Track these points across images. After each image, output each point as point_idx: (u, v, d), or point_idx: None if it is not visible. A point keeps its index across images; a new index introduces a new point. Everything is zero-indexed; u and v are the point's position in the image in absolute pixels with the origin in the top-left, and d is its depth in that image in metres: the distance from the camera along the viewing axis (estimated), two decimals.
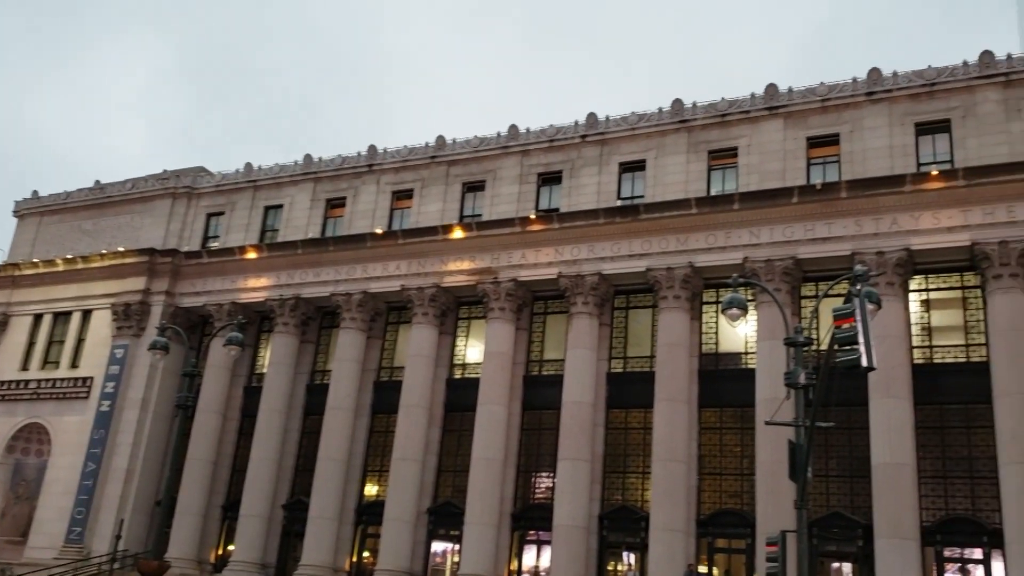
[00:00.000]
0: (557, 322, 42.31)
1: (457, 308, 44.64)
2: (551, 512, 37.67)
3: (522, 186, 43.78)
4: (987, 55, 36.23)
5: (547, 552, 38.24)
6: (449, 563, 40.90)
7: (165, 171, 54.74)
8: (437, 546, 41.53)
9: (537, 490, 40.64)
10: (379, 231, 45.30)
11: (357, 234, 45.84)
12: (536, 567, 39.21)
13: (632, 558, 37.71)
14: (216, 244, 50.98)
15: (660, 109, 41.84)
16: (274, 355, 46.43)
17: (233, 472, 47.01)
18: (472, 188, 45.42)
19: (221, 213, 51.87)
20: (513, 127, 45.06)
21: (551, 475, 39.48)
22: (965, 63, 36.53)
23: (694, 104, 41.16)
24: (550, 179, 43.64)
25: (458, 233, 42.87)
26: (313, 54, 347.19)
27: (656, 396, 37.31)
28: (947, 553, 32.86)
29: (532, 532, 39.87)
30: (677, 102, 41.41)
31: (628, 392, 39.53)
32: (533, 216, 41.72)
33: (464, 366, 44.07)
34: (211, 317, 48.45)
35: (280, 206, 50.29)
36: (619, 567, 37.77)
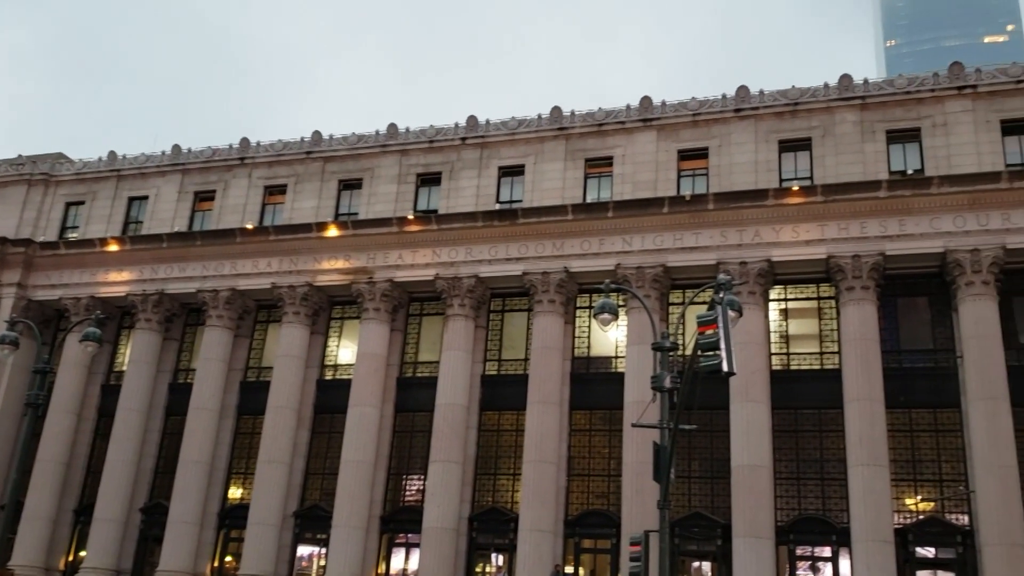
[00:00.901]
0: (433, 324, 42.18)
1: (330, 308, 43.89)
2: (421, 515, 37.48)
3: (400, 186, 43.46)
4: (846, 78, 38.33)
5: (416, 555, 38.02)
6: (315, 567, 40.09)
7: (20, 156, 51.61)
8: (303, 550, 40.65)
9: (408, 492, 40.38)
10: (250, 226, 44.06)
11: (226, 229, 44.40)
12: (404, 570, 38.92)
13: (500, 559, 37.95)
14: (75, 235, 48.37)
15: (540, 116, 42.35)
16: (135, 352, 44.41)
17: (88, 474, 44.69)
18: (349, 186, 44.76)
19: (81, 203, 49.27)
20: (392, 126, 44.69)
21: (422, 477, 39.30)
22: (826, 85, 38.54)
23: (572, 112, 41.88)
24: (429, 180, 43.49)
25: (333, 231, 42.13)
26: (187, 42, 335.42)
27: (529, 398, 37.69)
28: (799, 551, 34.51)
29: (401, 535, 39.56)
30: (556, 109, 42.04)
31: (502, 394, 39.79)
32: (411, 216, 41.48)
33: (336, 367, 43.35)
34: (67, 311, 45.94)
35: (145, 197, 48.21)
36: (488, 568, 37.93)
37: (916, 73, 39.47)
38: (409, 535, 39.02)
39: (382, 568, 39.11)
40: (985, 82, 36.40)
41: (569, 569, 36.57)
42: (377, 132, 44.87)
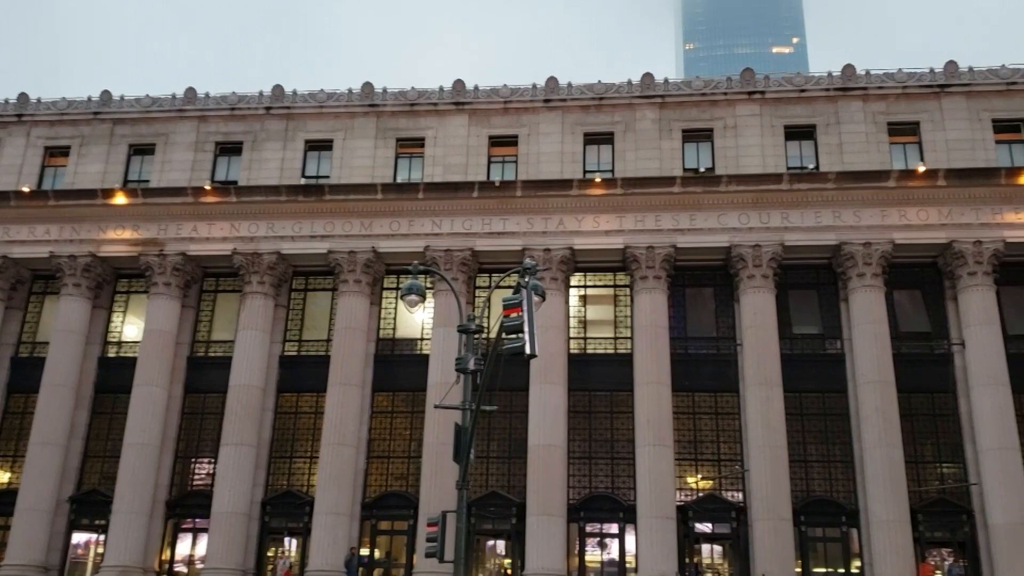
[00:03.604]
0: (229, 301, 40.39)
1: (115, 280, 41.08)
2: (211, 499, 35.95)
3: (198, 154, 41.21)
4: (648, 77, 40.01)
5: (204, 540, 36.45)
6: (92, 555, 37.56)
7: None
8: (79, 537, 37.99)
9: (197, 476, 38.58)
10: (26, 189, 40.40)
11: None
12: (191, 556, 37.23)
13: (293, 543, 37.07)
14: None
15: (351, 90, 41.37)
16: None
17: None
18: (141, 151, 41.91)
19: None
20: (191, 90, 42.26)
21: (213, 461, 37.66)
22: (630, 82, 40.06)
23: (384, 90, 41.20)
24: (230, 149, 41.49)
25: (121, 199, 39.32)
26: None
27: (330, 380, 36.95)
28: (589, 528, 35.95)
29: (189, 520, 37.82)
30: (368, 85, 41.22)
31: (301, 376, 38.77)
32: (208, 187, 39.43)
33: (120, 344, 40.66)
34: None
35: None
36: (280, 552, 36.95)
37: (711, 76, 41.77)
38: (197, 520, 37.38)
39: (166, 555, 37.26)
40: (772, 89, 39.10)
41: (365, 551, 36.29)
42: (174, 96, 42.26)
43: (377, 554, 37.00)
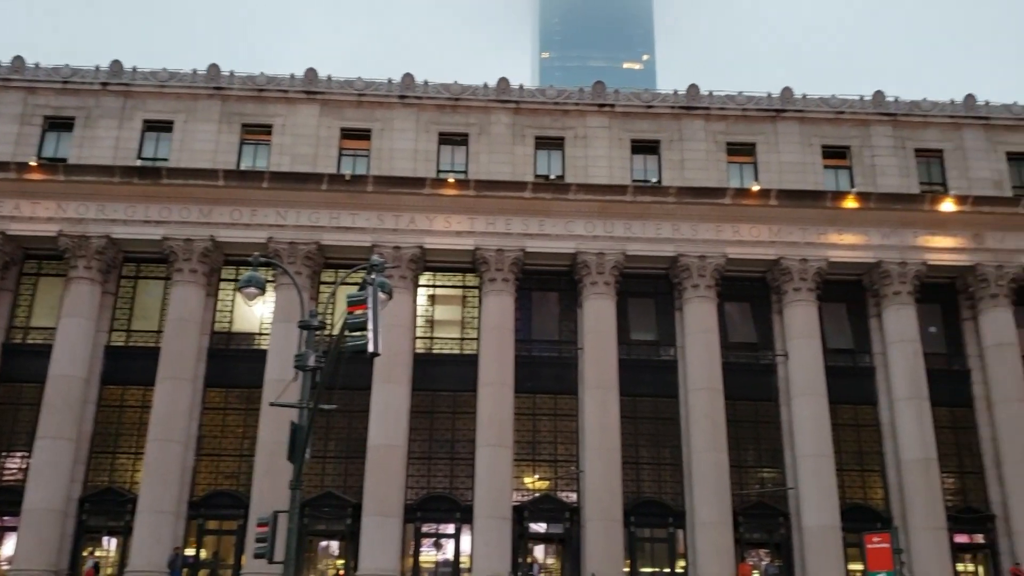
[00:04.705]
0: (52, 286, 37.82)
1: None
2: (23, 495, 33.53)
3: (24, 127, 38.37)
4: (504, 82, 40.37)
5: (13, 539, 33.93)
6: None
7: None
8: None
9: (7, 472, 35.88)
10: None
11: None
12: None
13: (114, 543, 35.10)
14: None
15: (195, 71, 39.64)
16: None
17: None
18: None
19: None
20: (18, 59, 39.35)
21: (27, 455, 35.12)
22: (486, 85, 40.29)
23: (232, 73, 39.71)
24: (60, 125, 38.84)
25: None
26: None
27: (159, 373, 35.25)
28: (425, 528, 35.85)
29: None
30: (214, 67, 39.60)
31: (128, 368, 36.76)
32: (34, 163, 36.79)
33: None
34: None
35: None
36: (97, 552, 34.88)
37: (565, 87, 42.59)
38: (6, 518, 34.82)
39: None
40: (621, 103, 40.27)
41: (190, 551, 34.79)
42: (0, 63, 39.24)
43: (204, 554, 35.54)
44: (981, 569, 37.30)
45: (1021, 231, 38.19)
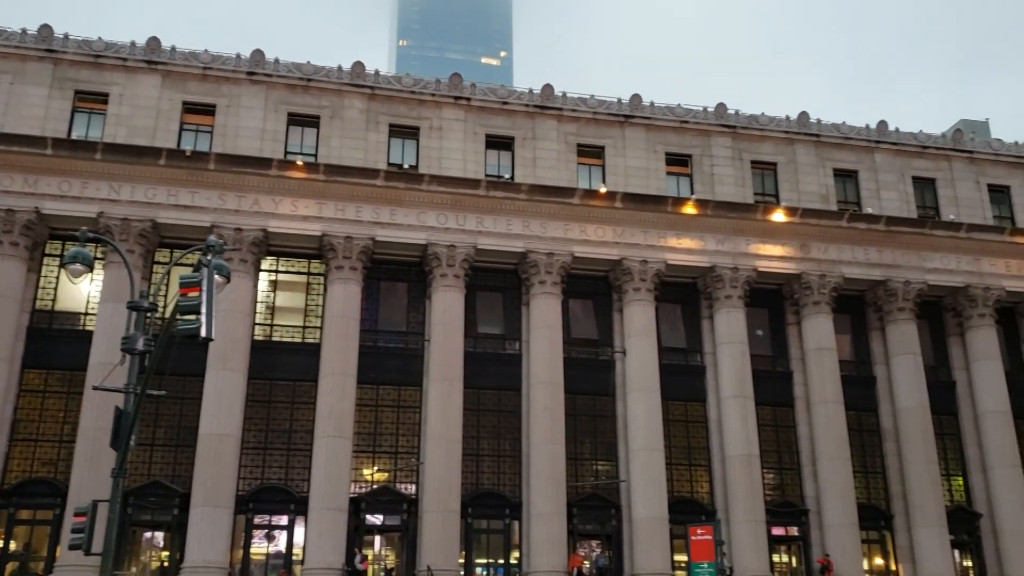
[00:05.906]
0: None
1: None
2: None
3: None
4: (359, 66, 39.68)
5: None
6: None
7: None
8: None
9: None
10: None
11: None
12: None
13: None
14: None
15: (24, 31, 36.93)
16: None
17: None
18: None
19: None
20: None
21: None
22: (340, 68, 39.49)
23: (66, 35, 37.24)
24: None
25: None
26: None
27: None
28: (257, 520, 34.83)
29: None
30: (46, 27, 37.01)
31: None
32: None
33: None
34: None
35: None
36: None
37: (422, 76, 42.30)
38: None
39: None
40: (478, 97, 40.41)
41: None
42: None
43: (14, 545, 33.24)
44: (794, 560, 39.86)
45: (844, 243, 40.99)
